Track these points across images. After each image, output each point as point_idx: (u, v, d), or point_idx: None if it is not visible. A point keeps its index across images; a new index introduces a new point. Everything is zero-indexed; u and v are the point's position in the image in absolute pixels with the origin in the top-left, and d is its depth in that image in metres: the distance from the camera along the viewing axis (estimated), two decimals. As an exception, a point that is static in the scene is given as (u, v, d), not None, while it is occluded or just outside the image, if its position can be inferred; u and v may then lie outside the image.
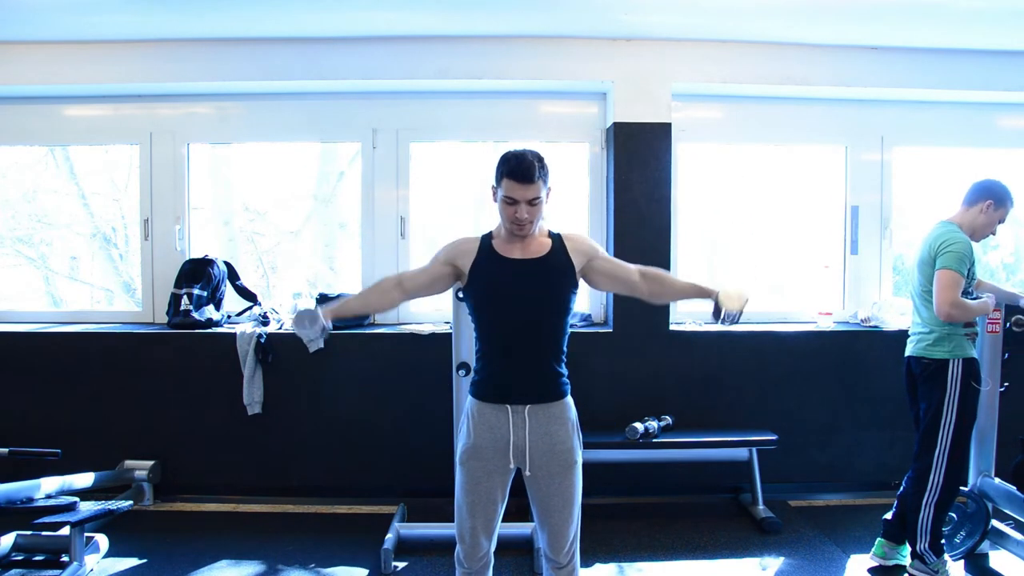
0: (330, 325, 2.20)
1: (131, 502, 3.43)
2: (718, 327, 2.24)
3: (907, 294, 3.33)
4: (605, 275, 2.29)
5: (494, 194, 2.20)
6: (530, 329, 2.18)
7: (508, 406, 2.18)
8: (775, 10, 3.61)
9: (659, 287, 2.31)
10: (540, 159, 2.15)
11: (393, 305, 2.34)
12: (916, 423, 3.13)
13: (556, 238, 2.26)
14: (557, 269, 2.20)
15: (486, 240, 2.25)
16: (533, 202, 2.13)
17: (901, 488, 3.18)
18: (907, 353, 3.16)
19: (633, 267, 2.31)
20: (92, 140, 4.33)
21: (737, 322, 2.24)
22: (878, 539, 3.23)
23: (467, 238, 2.28)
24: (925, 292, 3.01)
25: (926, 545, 3.01)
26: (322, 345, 3.87)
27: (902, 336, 3.24)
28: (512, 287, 2.18)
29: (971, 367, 2.97)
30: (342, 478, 4.02)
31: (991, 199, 3.01)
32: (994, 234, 3.10)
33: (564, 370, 2.24)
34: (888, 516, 3.23)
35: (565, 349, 2.25)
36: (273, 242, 4.76)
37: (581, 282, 2.28)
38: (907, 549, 3.15)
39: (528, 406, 2.17)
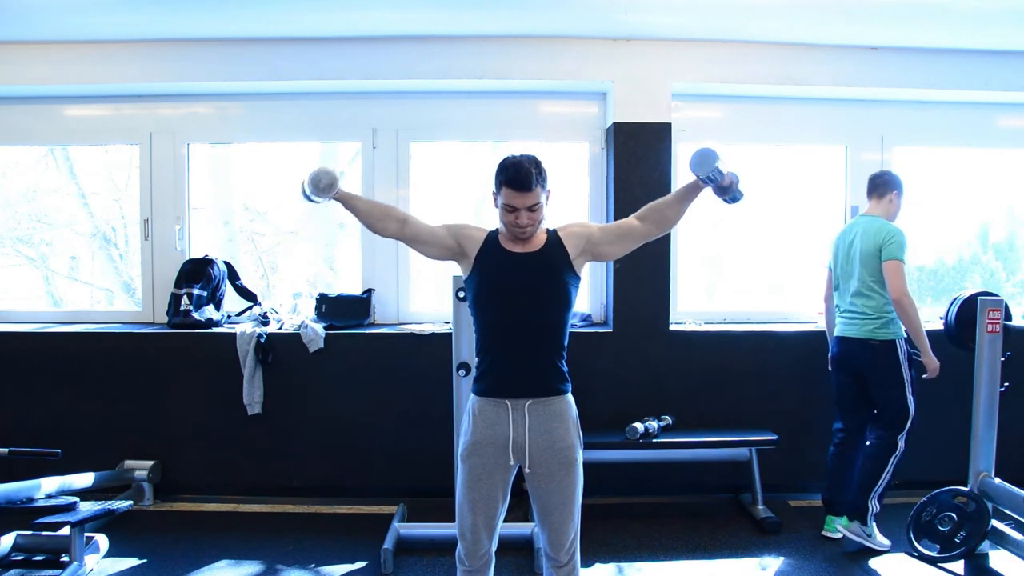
0: (333, 200, 2.33)
1: (131, 502, 3.44)
2: (728, 205, 2.30)
3: (843, 284, 3.58)
4: (612, 242, 2.32)
5: (494, 200, 2.24)
6: (530, 322, 2.20)
7: (508, 402, 2.19)
8: (775, 10, 3.61)
9: (660, 214, 2.35)
10: (537, 165, 2.17)
11: (385, 232, 2.34)
12: (844, 399, 3.56)
13: (552, 232, 2.30)
14: (555, 261, 2.24)
15: (492, 234, 2.30)
16: (532, 208, 2.17)
17: (835, 462, 3.55)
18: (852, 335, 3.48)
19: (630, 219, 2.36)
20: (92, 140, 4.33)
21: (735, 188, 2.34)
22: (828, 517, 3.53)
23: (477, 226, 2.33)
24: (874, 282, 3.39)
25: (876, 505, 3.39)
26: (321, 344, 3.88)
27: (901, 336, 3.29)
28: (513, 279, 2.21)
29: (906, 343, 3.42)
30: (342, 478, 4.02)
31: (896, 189, 3.53)
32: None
33: (564, 367, 2.26)
34: (826, 495, 3.57)
35: (566, 345, 2.26)
36: (273, 242, 4.77)
37: (583, 274, 2.31)
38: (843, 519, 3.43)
39: (528, 402, 2.18)
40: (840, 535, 3.45)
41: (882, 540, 3.36)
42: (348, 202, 2.35)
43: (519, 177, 2.13)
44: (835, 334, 3.61)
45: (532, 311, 2.20)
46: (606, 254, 2.35)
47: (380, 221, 2.34)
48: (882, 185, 3.53)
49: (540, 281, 2.21)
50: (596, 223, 2.40)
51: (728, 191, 2.34)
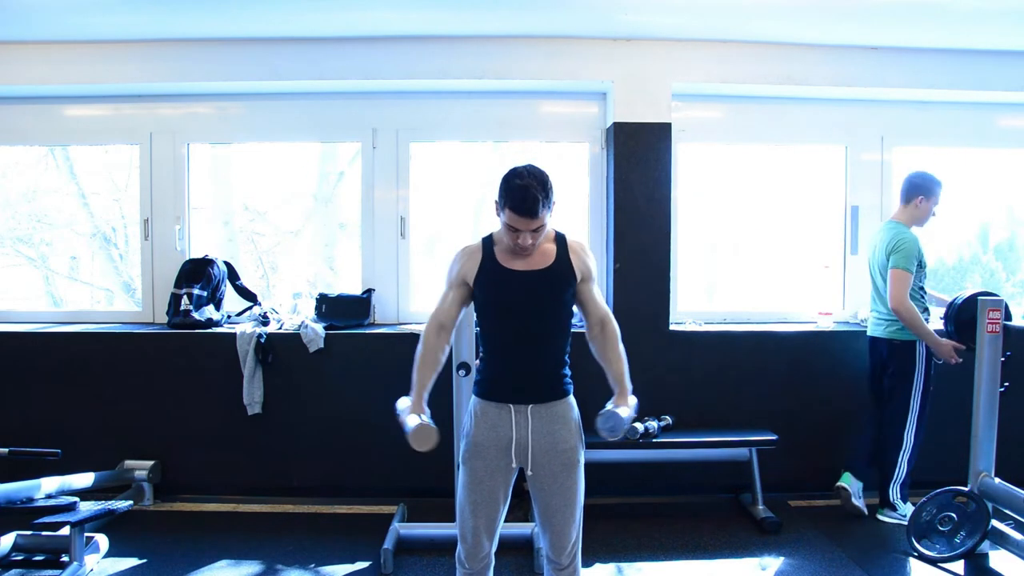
0: (428, 413, 2.15)
1: (131, 502, 3.44)
2: (601, 432, 2.18)
3: (872, 288, 3.81)
4: (579, 300, 2.27)
5: (496, 209, 2.15)
6: (532, 335, 2.19)
7: (511, 405, 2.18)
8: (775, 10, 3.61)
9: (601, 347, 2.27)
10: (545, 187, 2.08)
11: (448, 347, 2.24)
12: (877, 394, 3.78)
13: (560, 242, 2.23)
14: (560, 279, 2.19)
15: (488, 247, 2.23)
16: (537, 230, 2.11)
17: (867, 441, 3.76)
18: (877, 335, 3.73)
19: (601, 311, 2.27)
20: (92, 140, 4.33)
21: (615, 436, 2.16)
22: (844, 472, 3.74)
23: (468, 248, 2.25)
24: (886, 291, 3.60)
25: (897, 494, 3.64)
26: (321, 344, 3.89)
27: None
28: (514, 297, 2.18)
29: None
30: (342, 478, 4.02)
31: (921, 195, 3.63)
32: (934, 215, 3.68)
33: (567, 370, 2.26)
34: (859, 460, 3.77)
35: (568, 349, 2.26)
36: (273, 242, 4.77)
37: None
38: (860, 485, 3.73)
39: (531, 406, 2.18)
40: (846, 489, 3.70)
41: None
42: (425, 392, 2.21)
43: (525, 205, 2.05)
44: (868, 332, 3.84)
45: (535, 326, 2.19)
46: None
47: (439, 354, 2.21)
48: (909, 190, 3.66)
49: (544, 300, 2.18)
50: (596, 271, 2.29)
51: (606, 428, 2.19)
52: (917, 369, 3.58)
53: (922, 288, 3.64)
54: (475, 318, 2.29)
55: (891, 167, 4.33)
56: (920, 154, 4.41)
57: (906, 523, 3.42)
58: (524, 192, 2.05)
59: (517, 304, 2.18)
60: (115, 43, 3.95)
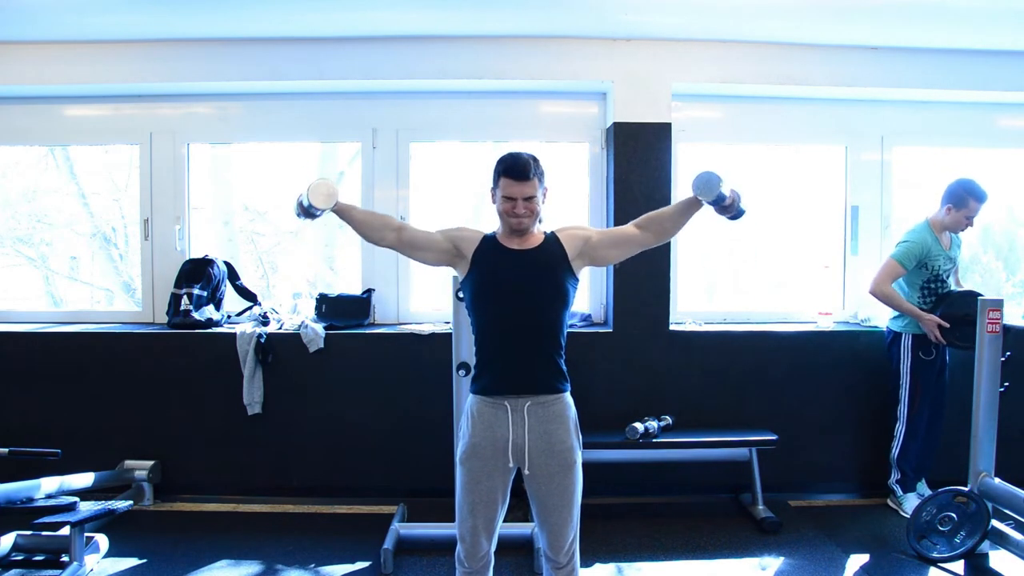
0: (334, 204, 2.29)
1: (131, 502, 3.44)
2: (728, 221, 2.30)
3: None
4: (609, 246, 2.34)
5: (492, 196, 2.29)
6: (528, 318, 2.22)
7: (507, 403, 2.19)
8: (775, 10, 3.61)
9: (659, 225, 2.34)
10: (535, 159, 2.25)
11: (383, 242, 2.34)
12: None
13: (550, 233, 2.34)
14: (553, 259, 2.27)
15: (489, 235, 2.33)
16: (529, 199, 2.21)
17: None
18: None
19: (628, 226, 2.37)
20: (92, 140, 4.33)
21: (737, 206, 2.30)
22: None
23: (472, 228, 2.36)
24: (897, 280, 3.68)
25: (895, 481, 3.76)
26: (321, 344, 3.89)
27: (902, 336, 3.31)
28: (511, 275, 2.23)
29: (920, 340, 3.63)
30: (342, 478, 4.02)
31: (950, 203, 3.62)
32: (971, 226, 3.66)
33: (563, 366, 2.27)
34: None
35: (564, 344, 2.27)
36: (273, 242, 4.77)
37: (581, 276, 2.33)
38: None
39: (527, 403, 2.19)
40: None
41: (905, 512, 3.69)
42: (346, 212, 2.34)
43: (517, 166, 2.20)
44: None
45: (530, 307, 2.21)
46: (603, 258, 2.36)
47: (377, 231, 2.34)
48: (943, 195, 3.67)
49: (538, 277, 2.23)
50: (595, 228, 2.42)
51: (730, 210, 2.32)
52: (903, 361, 3.67)
53: (930, 286, 3.66)
54: (470, 318, 2.29)
55: (891, 167, 4.33)
56: (920, 154, 4.41)
57: (904, 513, 3.43)
58: (516, 157, 2.23)
59: (513, 282, 2.22)
60: (114, 43, 3.95)
